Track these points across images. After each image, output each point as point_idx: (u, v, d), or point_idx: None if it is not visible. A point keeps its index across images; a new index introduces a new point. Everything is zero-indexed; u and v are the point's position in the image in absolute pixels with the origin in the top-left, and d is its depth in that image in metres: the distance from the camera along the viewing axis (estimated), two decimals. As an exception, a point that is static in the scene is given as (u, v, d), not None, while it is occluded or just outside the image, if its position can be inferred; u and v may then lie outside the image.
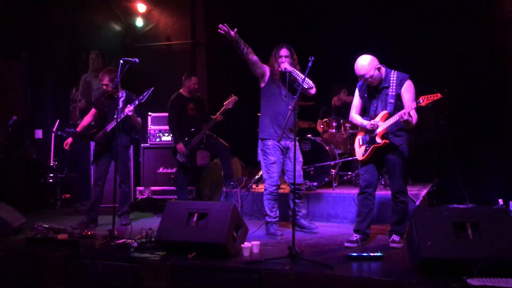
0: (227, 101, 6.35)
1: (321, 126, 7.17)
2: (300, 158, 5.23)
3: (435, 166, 7.16)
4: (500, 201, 6.47)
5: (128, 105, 5.49)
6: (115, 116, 5.31)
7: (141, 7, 8.54)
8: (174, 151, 6.46)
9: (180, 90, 6.60)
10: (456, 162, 7.01)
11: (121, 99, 5.68)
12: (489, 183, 7.09)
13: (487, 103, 7.19)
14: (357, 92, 4.68)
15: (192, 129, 6.45)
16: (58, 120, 7.32)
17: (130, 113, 5.49)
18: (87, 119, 6.02)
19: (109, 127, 5.68)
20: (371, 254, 3.99)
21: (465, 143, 7.26)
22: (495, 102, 7.17)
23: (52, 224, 5.01)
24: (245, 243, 4.24)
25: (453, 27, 7.37)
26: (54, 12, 7.65)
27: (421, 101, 4.07)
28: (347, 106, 7.20)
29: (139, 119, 5.85)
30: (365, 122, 4.52)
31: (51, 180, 7.17)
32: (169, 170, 7.44)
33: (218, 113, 6.39)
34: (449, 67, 7.45)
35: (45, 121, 7.57)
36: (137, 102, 5.45)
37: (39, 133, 7.55)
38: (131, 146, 6.07)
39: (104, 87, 5.83)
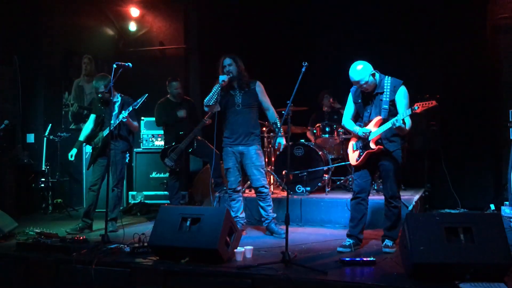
0: None
1: (314, 131, 7.17)
2: (257, 162, 5.23)
3: (427, 172, 7.19)
4: (492, 206, 6.52)
5: (123, 111, 5.48)
6: (112, 122, 5.30)
7: (134, 12, 8.53)
8: (162, 155, 6.42)
9: (168, 95, 6.58)
10: (447, 168, 7.07)
11: (117, 104, 5.65)
12: (480, 188, 7.15)
13: (478, 109, 7.25)
14: (350, 97, 4.67)
15: (181, 133, 6.37)
16: (50, 125, 7.28)
17: (124, 120, 5.48)
18: (90, 126, 5.92)
19: (106, 132, 5.62)
20: (364, 259, 4.00)
21: (456, 149, 7.31)
22: (486, 108, 7.24)
23: (44, 229, 4.98)
24: (238, 248, 4.23)
25: (445, 33, 7.43)
26: (47, 17, 7.60)
27: (416, 108, 4.09)
28: (337, 111, 7.24)
29: (135, 123, 5.84)
30: (357, 129, 4.53)
31: (42, 185, 7.11)
32: (161, 175, 7.42)
33: (206, 116, 6.29)
34: (441, 73, 7.50)
35: (37, 125, 7.52)
36: (130, 109, 5.43)
37: (31, 138, 7.49)
38: (127, 151, 6.00)
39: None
